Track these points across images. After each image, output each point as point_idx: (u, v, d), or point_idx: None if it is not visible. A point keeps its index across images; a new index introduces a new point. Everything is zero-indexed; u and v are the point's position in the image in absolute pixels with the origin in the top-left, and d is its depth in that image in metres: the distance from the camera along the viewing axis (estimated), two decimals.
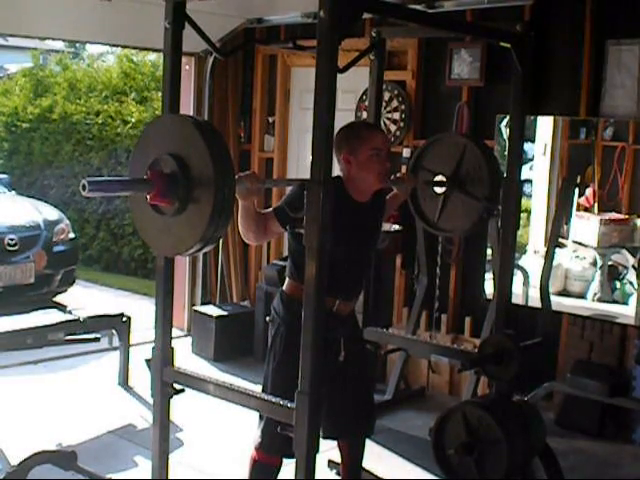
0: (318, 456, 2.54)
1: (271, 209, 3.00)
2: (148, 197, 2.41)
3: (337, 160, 3.12)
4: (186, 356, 5.79)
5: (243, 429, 4.36)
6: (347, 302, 3.21)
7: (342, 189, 3.08)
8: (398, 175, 3.59)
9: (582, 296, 5.05)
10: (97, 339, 5.21)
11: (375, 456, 4.01)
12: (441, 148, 3.87)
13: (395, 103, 5.44)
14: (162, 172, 2.40)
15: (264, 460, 3.17)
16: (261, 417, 3.14)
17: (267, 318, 3.27)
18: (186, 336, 6.28)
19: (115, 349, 5.37)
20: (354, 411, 3.34)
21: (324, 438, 3.41)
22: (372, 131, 3.17)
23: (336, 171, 2.99)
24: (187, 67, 6.16)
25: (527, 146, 4.91)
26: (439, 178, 3.78)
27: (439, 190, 3.80)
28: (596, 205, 4.93)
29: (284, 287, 3.20)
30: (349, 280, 3.21)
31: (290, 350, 2.94)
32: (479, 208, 3.67)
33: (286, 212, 2.93)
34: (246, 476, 3.23)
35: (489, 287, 4.89)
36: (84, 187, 2.27)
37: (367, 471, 3.83)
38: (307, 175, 2.45)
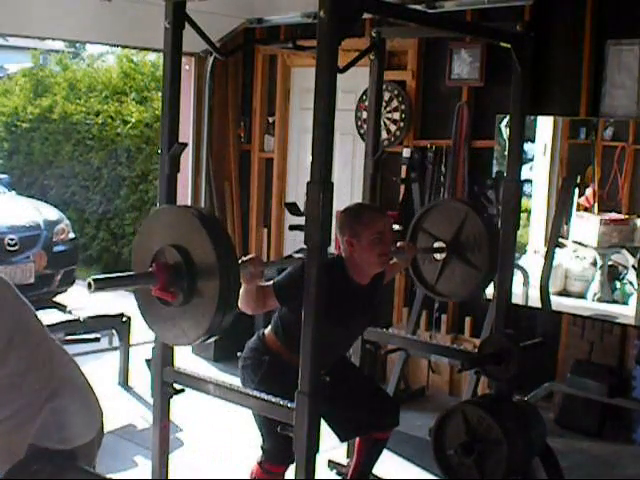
0: (318, 456, 2.54)
1: (271, 285, 2.98)
2: (152, 290, 2.43)
3: (340, 241, 3.13)
4: (186, 356, 5.78)
5: (243, 429, 4.36)
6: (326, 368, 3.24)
7: (343, 270, 3.09)
8: (398, 245, 3.60)
9: (582, 296, 5.04)
10: (97, 339, 5.21)
11: None
12: (441, 213, 3.90)
13: (395, 103, 5.44)
14: (166, 264, 2.42)
15: (269, 472, 3.15)
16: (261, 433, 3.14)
17: (239, 354, 3.24)
18: None
19: (115, 349, 5.37)
20: (371, 404, 3.38)
21: (343, 441, 3.45)
22: (375, 216, 3.13)
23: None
24: (187, 67, 6.16)
25: (527, 146, 4.90)
26: (438, 244, 3.82)
27: (438, 256, 3.84)
28: (596, 205, 4.92)
29: (267, 335, 3.17)
30: (334, 355, 3.23)
31: (273, 375, 2.99)
32: (477, 276, 3.69)
33: (285, 292, 2.93)
34: None
35: (489, 287, 4.89)
36: (90, 285, 2.31)
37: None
38: (307, 175, 2.45)
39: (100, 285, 2.36)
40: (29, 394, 2.06)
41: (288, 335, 3.03)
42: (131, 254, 2.66)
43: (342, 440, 3.45)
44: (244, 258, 2.76)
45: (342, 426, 3.33)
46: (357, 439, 3.55)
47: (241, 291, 2.80)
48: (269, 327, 3.18)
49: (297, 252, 5.66)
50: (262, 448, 3.12)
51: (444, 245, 3.79)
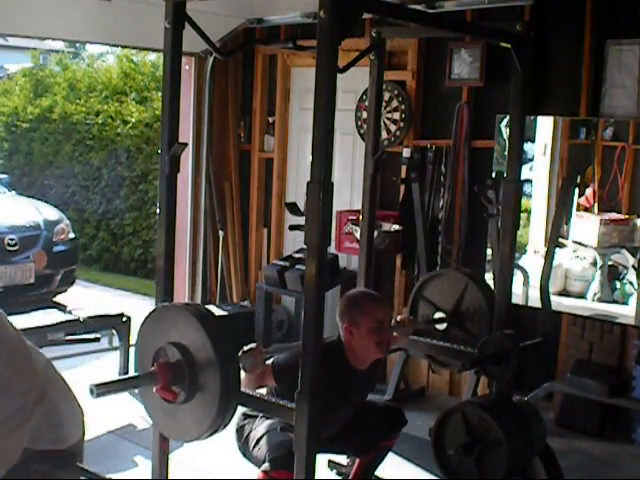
0: (318, 456, 2.54)
1: (270, 365, 3.00)
2: (155, 389, 2.47)
3: (339, 327, 3.14)
4: None
5: None
6: None
7: (342, 356, 3.11)
8: (398, 319, 3.61)
9: (582, 296, 5.04)
10: (97, 339, 5.21)
11: None
12: (442, 283, 3.94)
13: (395, 103, 5.44)
14: (167, 362, 2.46)
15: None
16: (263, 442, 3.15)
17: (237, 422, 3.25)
18: None
19: (115, 349, 5.37)
20: (373, 417, 3.42)
21: (360, 456, 3.51)
22: (375, 305, 3.15)
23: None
24: (187, 67, 6.16)
25: (527, 146, 4.91)
26: (438, 315, 3.85)
27: (439, 327, 3.86)
28: (596, 205, 4.92)
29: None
30: (329, 431, 3.20)
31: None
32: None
33: (283, 374, 2.96)
34: None
35: None
36: (92, 392, 2.37)
37: None
38: (307, 175, 2.44)
39: (102, 390, 2.43)
40: (18, 397, 2.06)
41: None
42: (137, 348, 2.70)
43: (358, 456, 3.48)
44: (245, 348, 2.81)
45: (356, 448, 3.41)
46: None
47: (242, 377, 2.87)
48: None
49: (297, 252, 5.67)
50: (266, 459, 3.12)
51: (444, 316, 3.83)
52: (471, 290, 3.79)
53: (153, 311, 2.72)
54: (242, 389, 2.86)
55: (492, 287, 3.85)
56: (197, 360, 2.44)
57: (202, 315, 2.51)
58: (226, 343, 2.47)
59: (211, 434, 2.52)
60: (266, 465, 3.10)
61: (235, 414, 2.52)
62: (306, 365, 2.46)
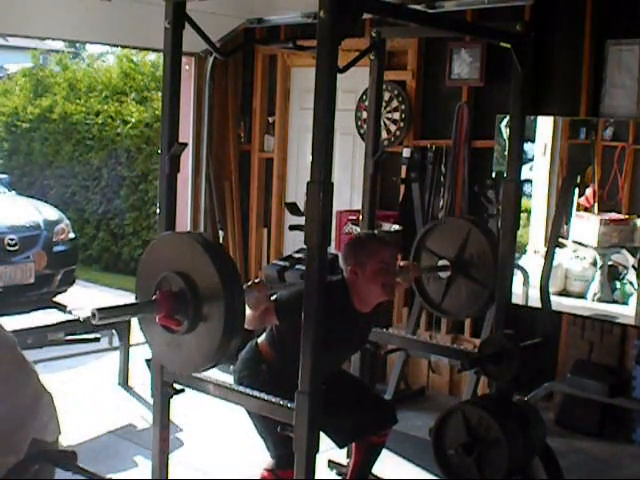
0: (318, 456, 2.54)
1: (273, 302, 2.98)
2: (157, 318, 2.42)
3: (344, 270, 3.13)
4: None
5: (243, 429, 4.36)
6: None
7: (346, 297, 3.10)
8: (402, 264, 3.59)
9: (582, 296, 5.04)
10: (97, 339, 5.20)
11: None
12: (444, 231, 3.91)
13: (395, 103, 5.44)
14: (170, 291, 2.41)
15: (281, 477, 3.13)
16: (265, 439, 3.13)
17: (231, 367, 3.22)
18: None
19: (115, 349, 5.37)
20: (365, 408, 3.38)
21: (342, 447, 3.44)
22: (381, 246, 3.15)
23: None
24: (187, 67, 6.17)
25: (527, 146, 4.91)
26: (442, 262, 3.81)
27: (443, 275, 3.83)
28: (596, 205, 4.92)
29: (260, 345, 3.16)
30: (326, 373, 3.22)
31: (275, 384, 2.96)
32: (483, 293, 3.69)
33: (286, 310, 2.94)
34: None
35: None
36: (93, 316, 2.30)
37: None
38: (307, 175, 2.45)
39: (103, 315, 2.36)
40: (19, 393, 2.09)
41: (283, 347, 3.05)
42: (136, 279, 2.64)
43: (340, 446, 3.45)
44: (248, 283, 2.78)
45: (338, 432, 3.33)
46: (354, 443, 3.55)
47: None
48: (262, 337, 3.18)
49: (297, 252, 5.67)
50: (271, 455, 3.11)
51: (448, 263, 3.80)
52: (474, 236, 3.74)
53: (156, 241, 2.68)
54: (246, 327, 2.84)
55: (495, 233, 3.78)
56: (201, 289, 2.38)
57: (207, 243, 2.44)
58: (231, 273, 2.39)
59: (213, 365, 2.46)
60: (272, 463, 3.10)
61: (237, 345, 2.46)
62: (306, 364, 2.46)
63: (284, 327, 3.00)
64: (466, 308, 3.87)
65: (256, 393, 2.83)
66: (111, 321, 2.47)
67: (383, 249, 3.12)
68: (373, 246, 3.12)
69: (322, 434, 2.61)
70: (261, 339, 3.18)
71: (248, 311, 2.81)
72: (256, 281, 2.84)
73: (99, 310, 2.32)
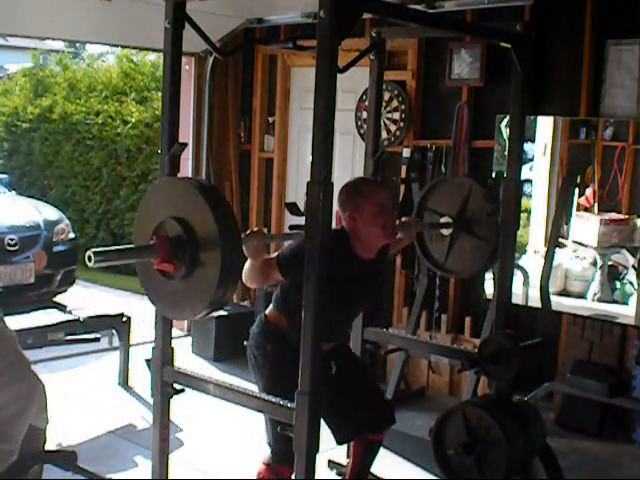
0: (318, 456, 2.54)
1: (274, 258, 2.96)
2: (154, 263, 2.41)
3: (343, 219, 3.11)
4: (186, 356, 5.79)
5: (243, 429, 4.36)
6: (331, 344, 3.21)
7: (347, 246, 3.07)
8: (404, 220, 3.58)
9: (582, 296, 5.04)
10: (97, 339, 5.21)
11: None
12: (445, 189, 3.90)
13: (395, 103, 5.44)
14: (167, 237, 2.39)
15: (278, 472, 3.12)
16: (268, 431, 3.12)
17: (245, 342, 3.23)
18: (186, 336, 6.28)
19: (115, 349, 5.36)
20: (367, 406, 3.37)
21: (340, 443, 3.43)
22: (374, 187, 3.13)
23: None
24: (187, 67, 6.17)
25: (527, 146, 4.91)
26: (445, 219, 3.80)
27: (445, 232, 3.81)
28: (596, 205, 4.92)
29: (268, 313, 3.16)
30: (338, 329, 3.23)
31: (280, 366, 2.99)
32: (486, 249, 3.68)
33: (289, 265, 2.91)
34: None
35: (489, 287, 4.89)
36: (89, 258, 2.28)
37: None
38: (307, 175, 2.45)
39: (100, 258, 2.33)
40: (20, 383, 2.13)
41: (289, 307, 3.01)
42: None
43: (339, 443, 3.44)
44: (247, 232, 2.76)
45: (340, 426, 3.32)
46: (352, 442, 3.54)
47: (246, 266, 2.81)
48: (269, 307, 3.17)
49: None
50: (270, 449, 3.11)
51: (450, 220, 3.78)
52: (476, 193, 3.73)
53: (153, 187, 2.67)
54: (248, 283, 2.89)
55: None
56: (198, 234, 2.36)
57: (205, 189, 2.42)
58: (229, 219, 2.38)
59: (209, 312, 2.45)
60: (269, 457, 3.10)
61: (234, 292, 2.45)
62: (305, 364, 2.46)
63: (290, 282, 2.97)
64: (470, 265, 3.87)
65: (256, 393, 2.84)
66: (108, 264, 2.43)
67: (378, 190, 3.09)
68: (368, 188, 3.08)
69: (322, 434, 2.61)
70: (268, 309, 3.17)
71: (248, 264, 2.79)
72: (254, 229, 2.82)
73: (95, 253, 2.29)
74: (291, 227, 5.61)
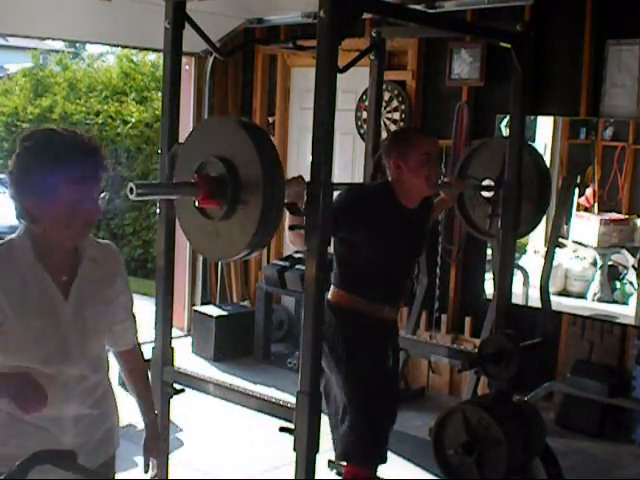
0: (318, 456, 2.54)
1: None
2: (196, 201, 2.40)
3: (386, 166, 3.12)
4: (186, 356, 5.79)
5: (243, 429, 4.37)
6: (394, 308, 3.24)
7: (391, 195, 3.08)
8: (446, 180, 3.58)
9: (582, 296, 5.05)
10: None
11: None
12: (487, 152, 3.89)
13: (395, 103, 5.44)
14: (209, 175, 2.37)
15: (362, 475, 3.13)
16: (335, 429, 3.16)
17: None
18: (186, 336, 6.28)
19: None
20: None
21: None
22: (422, 137, 3.16)
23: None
24: (187, 67, 6.17)
25: None
26: (487, 182, 3.78)
27: (487, 194, 3.79)
28: (596, 205, 4.92)
29: (330, 296, 3.16)
30: (396, 286, 3.23)
31: (355, 353, 3.01)
32: (532, 211, 3.66)
33: (335, 218, 2.86)
34: None
35: (489, 287, 4.89)
36: (131, 190, 2.27)
37: None
38: (307, 175, 2.45)
39: (142, 191, 2.33)
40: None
41: (347, 276, 3.03)
42: (175, 168, 2.59)
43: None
44: (289, 177, 2.71)
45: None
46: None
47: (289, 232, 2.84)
48: (327, 293, 3.15)
49: (297, 252, 5.67)
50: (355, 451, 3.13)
51: (492, 183, 3.76)
52: None
53: (198, 126, 2.64)
54: (292, 243, 2.88)
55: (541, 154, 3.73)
56: (241, 174, 2.33)
57: (250, 128, 2.38)
58: (273, 160, 2.33)
59: (249, 253, 2.41)
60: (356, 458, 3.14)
61: (273, 234, 2.42)
62: (306, 364, 2.46)
63: (339, 246, 2.98)
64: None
65: (256, 393, 2.84)
66: (149, 198, 2.43)
67: (424, 139, 3.11)
68: (414, 137, 3.12)
69: (321, 435, 2.61)
70: (330, 292, 3.15)
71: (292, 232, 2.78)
72: (295, 176, 2.77)
73: (138, 185, 2.29)
74: (291, 227, 5.63)
